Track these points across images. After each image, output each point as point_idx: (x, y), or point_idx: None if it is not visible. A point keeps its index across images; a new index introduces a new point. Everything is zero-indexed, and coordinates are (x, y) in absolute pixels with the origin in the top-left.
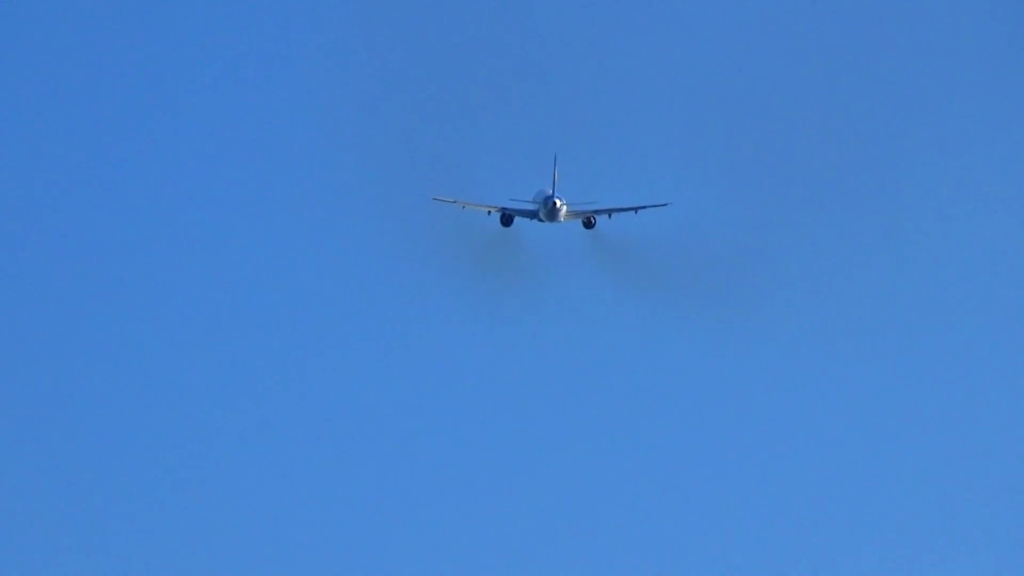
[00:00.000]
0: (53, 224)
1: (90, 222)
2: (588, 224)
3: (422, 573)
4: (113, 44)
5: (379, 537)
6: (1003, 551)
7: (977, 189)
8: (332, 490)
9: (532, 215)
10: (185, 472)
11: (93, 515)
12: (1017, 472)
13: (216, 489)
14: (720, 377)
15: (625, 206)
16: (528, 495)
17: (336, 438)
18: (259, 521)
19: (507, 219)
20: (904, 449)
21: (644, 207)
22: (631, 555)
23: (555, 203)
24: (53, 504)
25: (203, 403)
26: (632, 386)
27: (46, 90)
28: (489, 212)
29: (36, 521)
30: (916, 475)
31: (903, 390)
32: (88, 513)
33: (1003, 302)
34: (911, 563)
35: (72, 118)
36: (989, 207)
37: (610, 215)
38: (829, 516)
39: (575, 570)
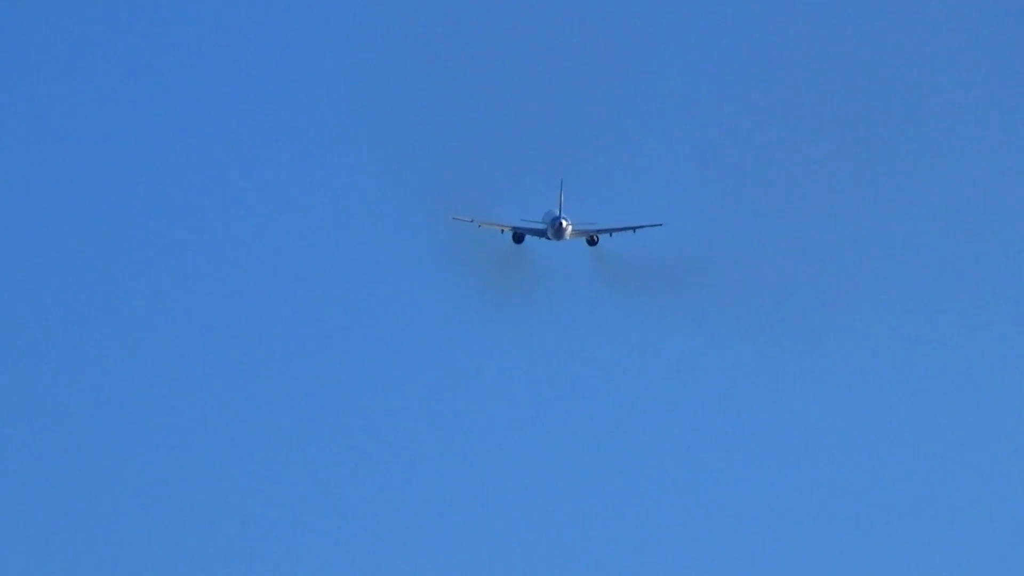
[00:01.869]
0: (62, 224)
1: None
2: (591, 242)
3: (430, 573)
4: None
5: (395, 538)
6: (1003, 553)
7: (975, 206)
8: (349, 492)
9: (541, 233)
10: (207, 476)
11: (98, 517)
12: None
13: (244, 496)
14: (710, 380)
15: (624, 226)
16: (531, 495)
17: (353, 442)
18: (279, 526)
19: (519, 237)
20: (900, 465)
21: (641, 227)
22: (633, 559)
23: (561, 223)
24: (53, 504)
25: (226, 413)
26: (628, 388)
27: (47, 89)
28: (503, 231)
29: (36, 521)
30: (915, 493)
31: (897, 399)
32: (94, 515)
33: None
34: None
35: (97, 121)
36: (987, 224)
37: (611, 234)
38: (825, 522)
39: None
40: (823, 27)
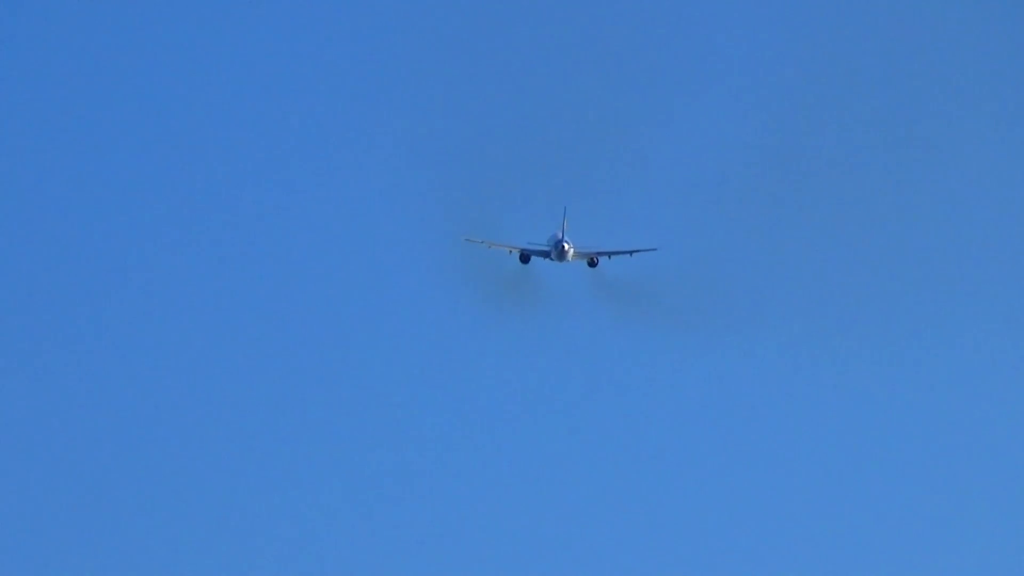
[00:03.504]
0: (65, 224)
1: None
2: (591, 263)
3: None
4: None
5: (404, 540)
6: (1003, 553)
7: (974, 232)
8: (352, 497)
9: (545, 255)
10: (229, 488)
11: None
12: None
13: (266, 508)
14: (703, 389)
15: (621, 249)
16: (533, 500)
17: (361, 450)
18: (295, 530)
19: (525, 258)
20: (895, 490)
21: (637, 250)
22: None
23: (564, 246)
24: (54, 504)
25: (239, 424)
26: (624, 396)
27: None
28: (510, 251)
29: (36, 521)
30: (912, 513)
31: (892, 413)
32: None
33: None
34: None
35: (103, 118)
36: (984, 242)
37: (609, 256)
38: (825, 542)
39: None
40: (820, 56)
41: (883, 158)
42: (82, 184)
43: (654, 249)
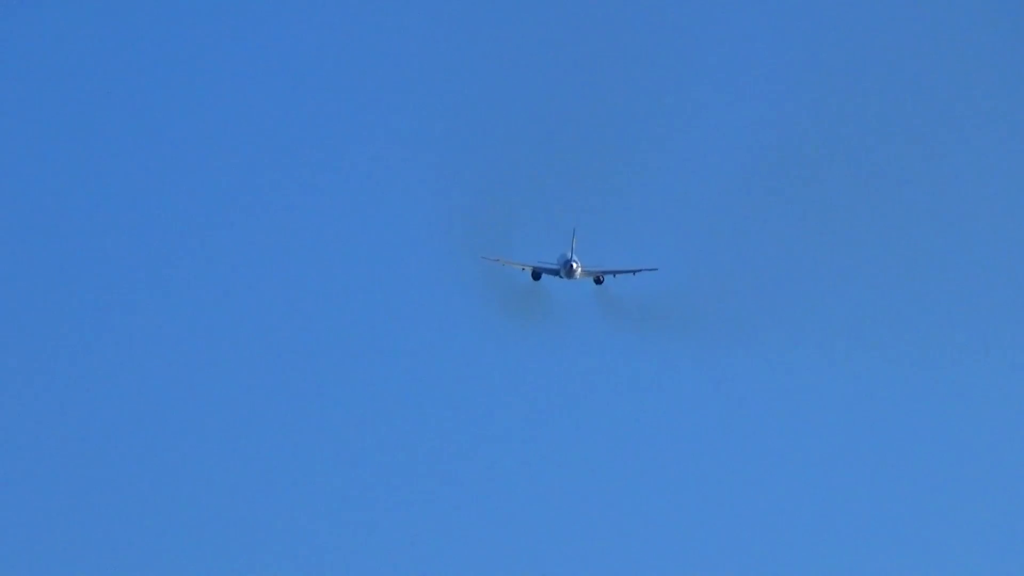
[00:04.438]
0: (72, 224)
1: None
2: (597, 281)
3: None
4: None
5: (413, 543)
6: (1002, 555)
7: (980, 235)
8: (361, 501)
9: (555, 273)
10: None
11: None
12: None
13: (282, 515)
14: (697, 397)
15: (625, 268)
16: (544, 508)
17: (381, 458)
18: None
19: (536, 275)
20: (889, 492)
21: (639, 270)
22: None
23: (572, 265)
24: (54, 505)
25: (262, 437)
26: (632, 407)
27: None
28: (523, 269)
29: (36, 520)
30: (919, 520)
31: (893, 429)
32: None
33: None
34: None
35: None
36: (984, 249)
37: (614, 275)
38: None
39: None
40: (826, 73)
41: (890, 174)
42: (86, 184)
43: (655, 269)
